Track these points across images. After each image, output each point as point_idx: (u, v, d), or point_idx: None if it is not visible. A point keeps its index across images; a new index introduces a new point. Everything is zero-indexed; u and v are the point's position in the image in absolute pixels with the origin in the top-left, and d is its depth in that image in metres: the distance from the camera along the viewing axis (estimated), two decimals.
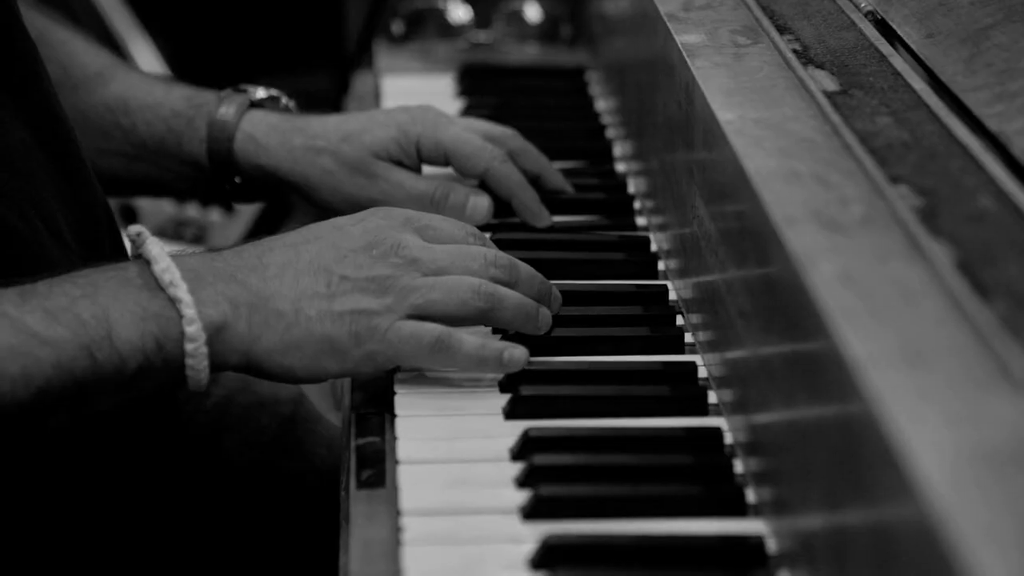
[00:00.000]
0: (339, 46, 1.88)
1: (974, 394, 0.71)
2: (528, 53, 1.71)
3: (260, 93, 1.28)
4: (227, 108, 1.26)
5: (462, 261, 1.02)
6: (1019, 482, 0.66)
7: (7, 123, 1.05)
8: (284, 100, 1.29)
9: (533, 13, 1.72)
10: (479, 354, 1.01)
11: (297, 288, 0.98)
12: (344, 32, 1.84)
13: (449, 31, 1.71)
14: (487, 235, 1.22)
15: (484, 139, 1.25)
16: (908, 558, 0.68)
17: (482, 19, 1.72)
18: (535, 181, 1.27)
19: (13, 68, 1.07)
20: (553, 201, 1.29)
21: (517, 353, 1.02)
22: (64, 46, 1.28)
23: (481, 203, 1.24)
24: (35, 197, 1.04)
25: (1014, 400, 0.70)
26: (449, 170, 1.26)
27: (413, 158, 1.24)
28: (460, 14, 1.71)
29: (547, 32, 1.72)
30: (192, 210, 2.08)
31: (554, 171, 1.29)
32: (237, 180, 1.27)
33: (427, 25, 1.72)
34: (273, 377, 0.99)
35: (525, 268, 1.05)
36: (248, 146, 1.25)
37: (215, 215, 2.09)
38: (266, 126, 1.25)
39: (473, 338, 1.01)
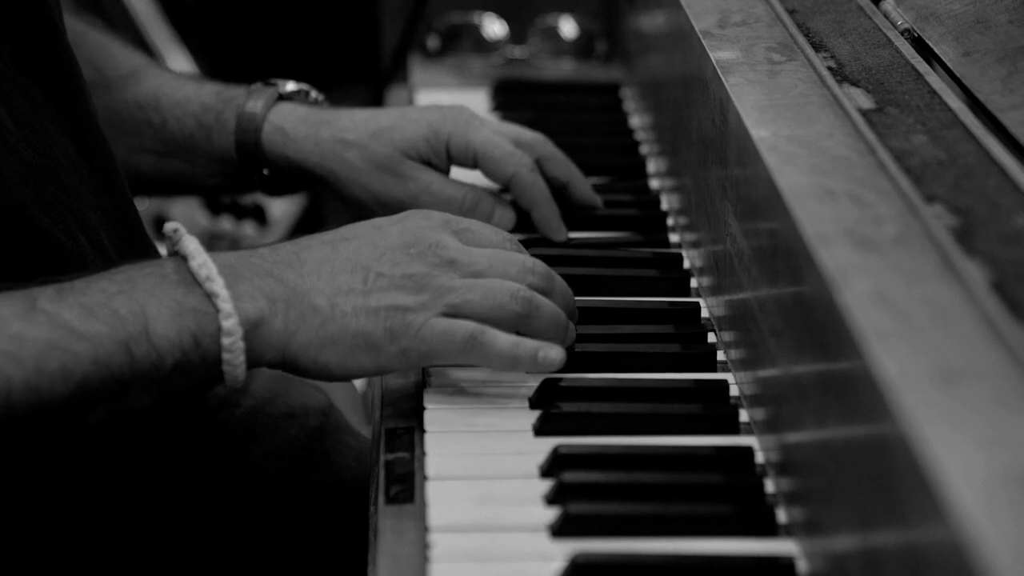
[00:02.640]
0: (374, 61, 1.88)
1: (1008, 416, 0.70)
2: (563, 69, 1.71)
3: (289, 86, 1.29)
4: (255, 101, 1.26)
5: (500, 266, 1.02)
6: None
7: (54, 137, 1.06)
8: (313, 94, 1.29)
9: (568, 29, 1.71)
10: (512, 352, 1.00)
11: (333, 284, 0.98)
12: (380, 47, 1.84)
13: (484, 46, 1.71)
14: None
15: (514, 143, 1.24)
16: None
17: (517, 35, 1.72)
18: (563, 189, 1.27)
19: (60, 82, 1.08)
20: (586, 217, 1.29)
21: (552, 353, 1.01)
22: (99, 49, 1.29)
23: (507, 216, 1.24)
24: (77, 211, 1.05)
25: None
26: (476, 174, 1.26)
27: (442, 157, 1.24)
28: (495, 29, 1.71)
29: (582, 48, 1.71)
30: (225, 223, 2.09)
31: (583, 180, 1.29)
32: (265, 172, 1.27)
33: (462, 40, 1.72)
34: (308, 374, 0.99)
35: (559, 279, 1.05)
36: (276, 137, 1.25)
37: (248, 228, 2.10)
38: (294, 118, 1.26)
39: (507, 336, 1.00)
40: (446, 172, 1.26)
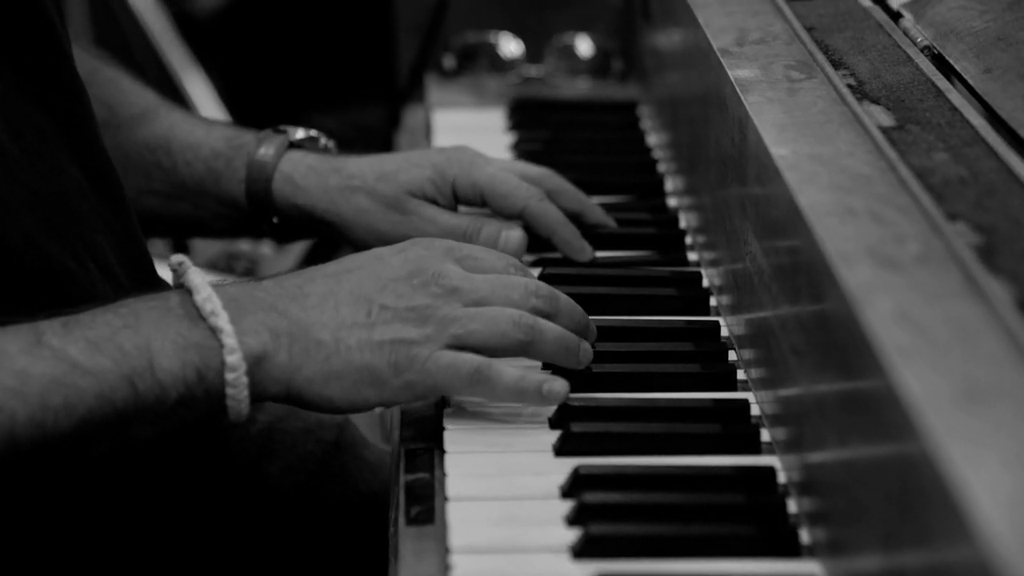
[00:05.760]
0: (391, 80, 1.88)
1: None
2: (579, 87, 1.71)
3: (299, 134, 1.29)
4: (266, 149, 1.27)
5: (503, 291, 1.02)
6: None
7: (63, 164, 1.06)
8: (323, 140, 1.30)
9: (585, 48, 1.71)
10: (518, 386, 1.00)
11: (337, 318, 0.99)
12: (396, 66, 1.84)
13: (500, 65, 1.71)
14: (536, 270, 1.22)
15: (521, 179, 1.25)
16: None
17: (533, 53, 1.72)
18: (576, 218, 1.27)
19: (68, 110, 1.08)
20: (604, 236, 1.28)
21: (557, 386, 1.01)
22: (110, 85, 1.29)
23: (513, 236, 1.24)
24: (87, 238, 1.05)
25: None
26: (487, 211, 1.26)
27: (449, 198, 1.25)
28: (511, 48, 1.71)
29: (598, 67, 1.71)
30: (244, 243, 2.09)
31: (594, 207, 1.29)
32: (275, 220, 1.28)
33: (478, 59, 1.72)
34: (313, 407, 0.99)
35: (565, 299, 1.05)
36: (286, 187, 1.26)
37: (267, 248, 2.10)
38: (304, 167, 1.26)
39: (512, 370, 1.00)
40: (453, 211, 1.26)
